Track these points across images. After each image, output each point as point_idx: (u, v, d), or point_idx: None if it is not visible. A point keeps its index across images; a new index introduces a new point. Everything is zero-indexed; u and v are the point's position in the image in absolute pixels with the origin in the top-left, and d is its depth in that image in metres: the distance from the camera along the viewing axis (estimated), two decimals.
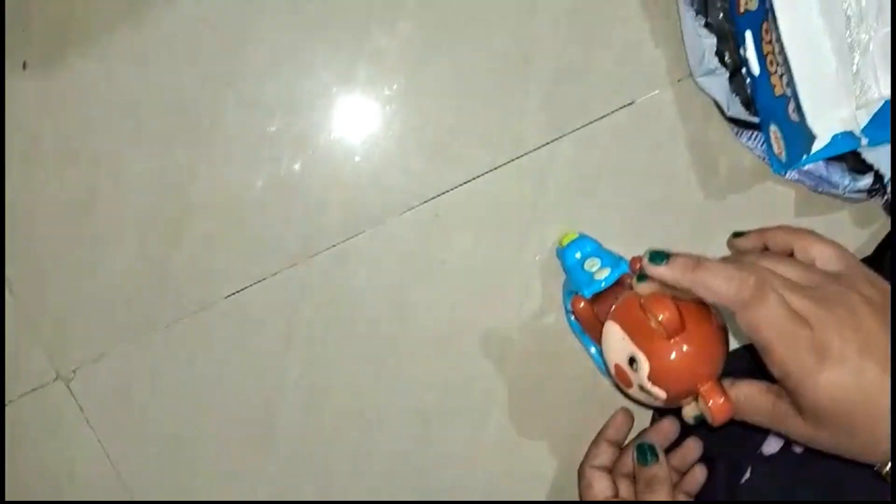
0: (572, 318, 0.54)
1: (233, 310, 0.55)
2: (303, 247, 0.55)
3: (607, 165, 0.55)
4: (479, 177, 0.55)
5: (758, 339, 0.39)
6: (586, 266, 0.51)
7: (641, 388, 0.43)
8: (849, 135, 0.48)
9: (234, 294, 0.55)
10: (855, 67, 0.48)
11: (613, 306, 0.45)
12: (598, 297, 0.50)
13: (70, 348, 0.55)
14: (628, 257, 0.49)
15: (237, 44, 0.52)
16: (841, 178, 0.51)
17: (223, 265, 0.55)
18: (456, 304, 0.56)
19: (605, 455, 0.54)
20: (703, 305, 0.43)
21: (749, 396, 0.42)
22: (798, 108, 0.47)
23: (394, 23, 0.53)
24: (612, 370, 0.45)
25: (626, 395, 0.46)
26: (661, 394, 0.43)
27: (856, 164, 0.51)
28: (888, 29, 0.47)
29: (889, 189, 0.52)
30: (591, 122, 0.54)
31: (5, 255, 0.54)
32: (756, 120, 0.52)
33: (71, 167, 0.53)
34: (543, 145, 0.54)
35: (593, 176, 0.55)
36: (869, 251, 0.55)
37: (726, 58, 0.51)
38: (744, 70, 0.51)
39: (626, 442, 0.56)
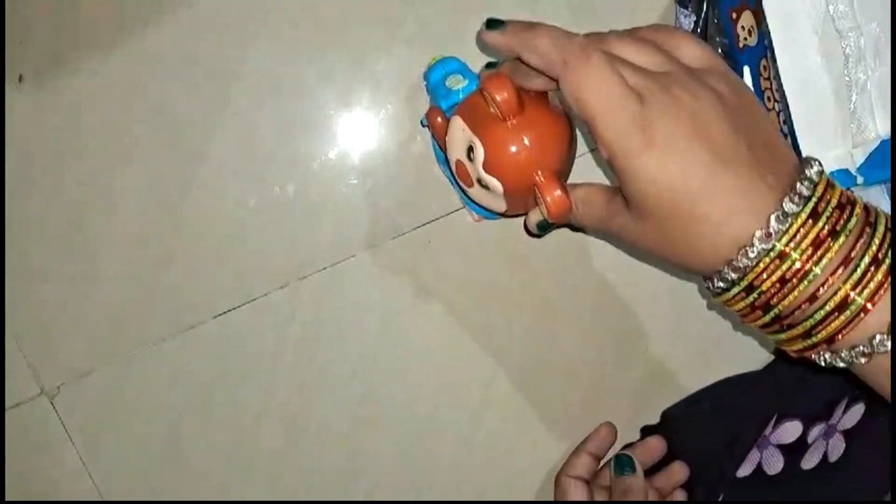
0: (436, 145, 0.51)
1: (221, 330, 0.54)
2: (293, 268, 0.54)
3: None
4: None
5: (579, 108, 0.35)
6: (447, 83, 0.48)
7: (479, 181, 0.41)
8: (845, 173, 0.48)
9: (222, 314, 0.54)
10: (852, 106, 0.48)
11: (459, 103, 0.43)
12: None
13: (55, 364, 0.54)
14: None
15: (233, 63, 0.52)
16: None
17: (213, 285, 0.54)
18: (445, 329, 0.56)
19: (584, 466, 0.54)
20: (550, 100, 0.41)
21: (586, 196, 0.39)
22: (795, 145, 0.47)
23: (391, 46, 0.53)
24: (454, 168, 0.43)
25: (470, 200, 0.44)
26: (498, 185, 0.40)
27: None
28: (886, 69, 0.47)
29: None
30: (586, 153, 0.54)
31: None
32: None
33: (61, 183, 0.53)
34: None
35: None
36: None
37: None
38: None
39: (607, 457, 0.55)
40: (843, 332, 0.34)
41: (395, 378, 0.56)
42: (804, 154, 0.47)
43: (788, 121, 0.47)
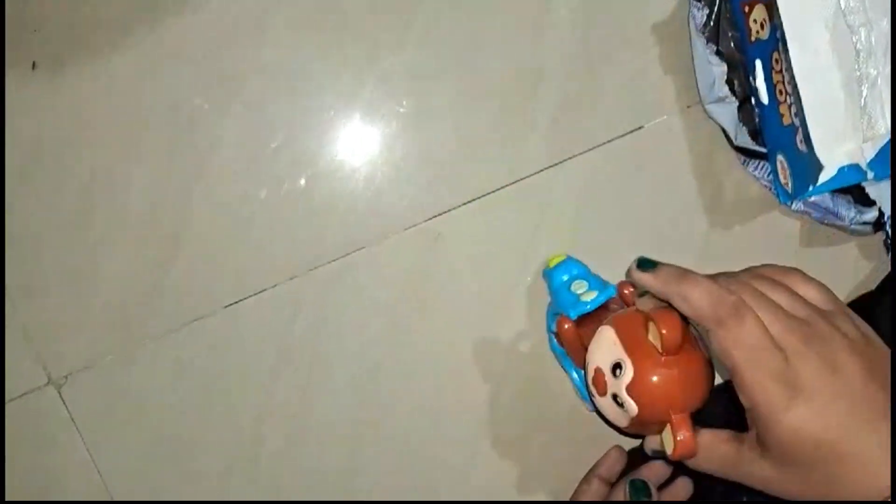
0: (555, 341, 0.53)
1: (228, 321, 0.54)
2: (302, 261, 0.54)
3: (612, 191, 0.55)
4: (481, 197, 0.54)
5: (728, 362, 0.38)
6: (573, 288, 0.50)
7: (616, 397, 0.42)
8: (855, 167, 0.48)
9: (230, 305, 0.54)
10: (863, 101, 0.49)
11: (611, 316, 0.44)
12: (582, 321, 0.50)
13: (63, 354, 0.54)
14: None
15: (244, 60, 0.52)
16: (847, 210, 0.51)
17: (220, 276, 0.54)
18: (452, 325, 0.55)
19: (595, 491, 0.53)
20: (697, 341, 0.43)
21: (711, 443, 0.41)
22: (806, 138, 0.48)
23: (401, 45, 0.53)
24: (591, 373, 0.44)
25: (594, 406, 0.45)
26: (634, 408, 0.41)
27: (861, 196, 0.51)
28: None
29: (888, 226, 0.52)
30: (597, 146, 0.54)
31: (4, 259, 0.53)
32: (763, 150, 0.52)
33: (71, 172, 0.53)
34: (548, 167, 0.54)
35: (597, 200, 0.55)
36: (872, 286, 0.55)
37: (736, 86, 0.52)
38: (752, 99, 0.51)
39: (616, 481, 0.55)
40: None
41: (399, 373, 0.56)
42: (817, 147, 0.47)
43: (800, 114, 0.47)
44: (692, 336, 0.42)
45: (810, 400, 0.37)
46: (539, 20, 0.53)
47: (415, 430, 0.56)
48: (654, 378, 0.41)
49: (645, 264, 0.41)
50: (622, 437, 0.55)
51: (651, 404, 0.41)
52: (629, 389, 0.41)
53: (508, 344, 0.56)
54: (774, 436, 0.37)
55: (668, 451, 0.41)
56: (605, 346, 0.43)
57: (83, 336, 0.54)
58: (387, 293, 0.55)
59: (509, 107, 0.54)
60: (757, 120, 0.52)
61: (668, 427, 0.41)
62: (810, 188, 0.49)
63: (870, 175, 0.49)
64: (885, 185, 0.50)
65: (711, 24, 0.51)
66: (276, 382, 0.55)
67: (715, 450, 0.41)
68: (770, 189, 0.54)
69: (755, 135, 0.52)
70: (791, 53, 0.47)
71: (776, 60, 0.48)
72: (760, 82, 0.50)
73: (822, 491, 0.37)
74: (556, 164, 0.54)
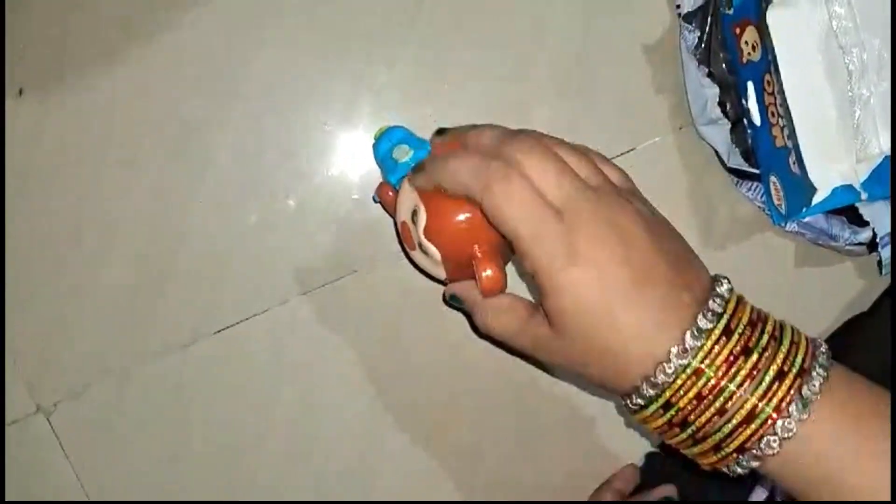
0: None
1: (221, 346, 0.54)
2: (295, 284, 0.54)
3: None
4: None
5: (505, 228, 0.36)
6: (394, 155, 0.48)
7: (420, 246, 0.42)
8: (849, 188, 0.48)
9: (222, 330, 0.54)
10: (856, 122, 0.48)
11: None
12: None
13: (53, 381, 0.53)
14: None
15: (234, 78, 0.52)
16: (841, 230, 0.51)
17: (213, 300, 0.54)
18: (449, 346, 0.55)
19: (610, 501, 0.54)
20: None
21: (510, 305, 0.40)
22: (799, 159, 0.47)
23: (394, 62, 0.53)
24: (400, 229, 0.43)
25: (412, 263, 0.44)
26: (436, 252, 0.41)
27: (855, 217, 0.51)
28: (889, 84, 0.47)
29: (880, 247, 0.51)
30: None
31: None
32: (756, 171, 0.52)
33: (61, 197, 0.52)
34: None
35: None
36: (866, 306, 0.55)
37: (728, 108, 0.51)
38: (745, 121, 0.51)
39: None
40: (750, 442, 0.34)
41: (395, 396, 0.55)
42: (810, 169, 0.47)
43: (793, 136, 0.47)
44: None
45: (589, 266, 0.35)
46: (531, 43, 0.53)
47: (414, 450, 0.56)
48: (448, 214, 0.40)
49: (439, 132, 0.42)
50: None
51: (450, 243, 0.41)
52: (426, 232, 0.41)
53: (507, 363, 0.55)
54: (552, 301, 0.36)
55: (481, 288, 0.40)
56: (405, 198, 0.42)
57: (73, 362, 0.53)
58: (380, 316, 0.55)
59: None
60: (749, 141, 0.51)
61: (474, 263, 0.40)
62: (804, 210, 0.49)
63: (864, 196, 0.48)
64: (879, 206, 0.50)
65: (703, 46, 0.50)
66: (271, 406, 0.55)
67: (512, 311, 0.40)
68: (764, 210, 0.54)
69: (748, 156, 0.52)
70: (783, 75, 0.47)
71: (768, 82, 0.48)
72: (752, 104, 0.50)
73: (599, 360, 0.36)
74: None
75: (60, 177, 0.52)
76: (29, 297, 0.53)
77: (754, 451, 0.34)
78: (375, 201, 0.50)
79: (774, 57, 0.46)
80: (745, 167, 0.52)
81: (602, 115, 0.54)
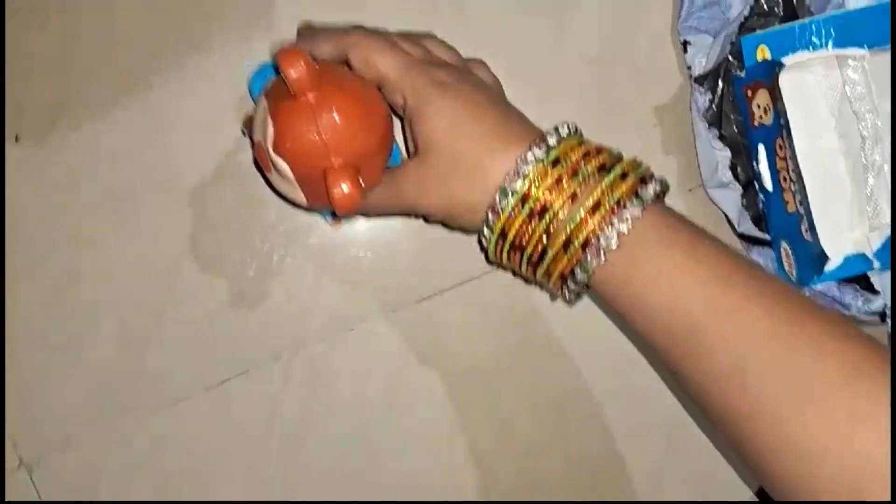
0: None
1: (213, 401, 0.52)
2: (289, 340, 0.52)
3: None
4: (471, 280, 0.53)
5: (373, 70, 0.40)
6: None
7: (274, 165, 0.38)
8: (861, 257, 0.47)
9: (215, 386, 0.52)
10: (868, 189, 0.47)
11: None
12: None
13: (38, 434, 0.52)
14: None
15: (234, 125, 0.51)
16: (853, 299, 0.50)
17: (205, 356, 0.52)
18: (445, 407, 0.53)
19: None
20: (369, 87, 0.40)
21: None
22: (811, 226, 0.46)
23: None
24: (255, 151, 0.39)
25: (273, 190, 0.42)
26: (286, 168, 0.37)
27: (868, 285, 0.50)
28: None
29: (888, 317, 0.50)
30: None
31: None
32: (767, 237, 0.51)
33: (55, 246, 0.51)
34: None
35: None
36: None
37: (739, 172, 0.50)
38: (756, 185, 0.50)
39: None
40: (576, 258, 0.38)
41: (389, 457, 0.54)
42: (822, 237, 0.46)
43: (805, 202, 0.46)
44: (359, 81, 0.40)
45: (456, 95, 0.39)
46: (540, 99, 0.52)
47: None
48: (291, 125, 0.36)
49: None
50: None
51: (299, 157, 0.37)
52: (276, 147, 0.37)
53: (506, 422, 0.54)
54: (428, 122, 0.39)
55: (334, 206, 0.37)
56: (260, 116, 0.39)
57: (58, 414, 0.52)
58: (377, 373, 0.53)
59: None
60: (760, 206, 0.50)
61: (326, 180, 0.36)
62: (815, 277, 0.47)
63: (876, 265, 0.47)
64: (888, 275, 0.49)
65: (714, 108, 0.50)
66: (264, 463, 0.53)
67: (380, 186, 0.42)
68: None
69: (758, 221, 0.51)
70: (795, 140, 0.46)
71: (780, 146, 0.47)
72: (764, 168, 0.49)
73: (462, 180, 0.39)
74: None
75: (55, 225, 0.51)
76: (20, 347, 0.51)
77: (579, 269, 0.38)
78: (244, 134, 0.46)
79: (787, 121, 0.46)
80: (756, 233, 0.51)
81: None
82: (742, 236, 0.52)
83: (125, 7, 0.51)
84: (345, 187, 0.36)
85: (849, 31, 0.46)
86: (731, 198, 0.51)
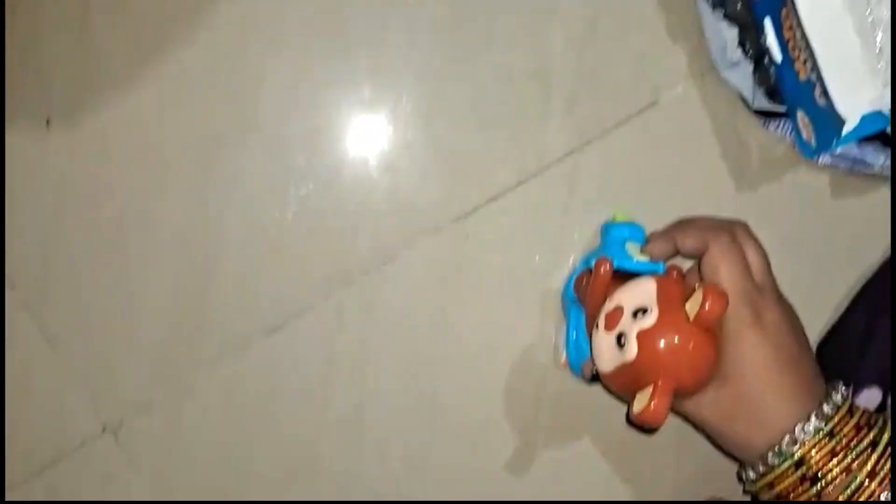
0: (572, 287, 0.52)
1: (271, 345, 0.54)
2: (337, 276, 0.54)
3: (636, 168, 0.54)
4: (506, 192, 0.54)
5: (718, 274, 0.44)
6: (626, 247, 0.50)
7: (621, 337, 0.42)
8: (878, 114, 0.47)
9: (270, 329, 0.54)
10: (878, 45, 0.48)
11: (657, 275, 0.45)
12: (612, 280, 0.48)
13: (115, 399, 0.54)
14: None
15: (256, 84, 0.53)
16: (875, 156, 0.51)
17: (257, 301, 0.54)
18: (494, 322, 0.55)
19: None
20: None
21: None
22: (824, 91, 0.47)
23: (408, 51, 0.53)
24: (609, 308, 0.44)
25: (574, 365, 0.48)
26: (633, 353, 0.41)
27: (888, 139, 0.50)
28: None
29: None
30: (616, 127, 0.54)
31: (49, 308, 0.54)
32: (782, 108, 0.52)
33: (100, 217, 0.53)
34: (569, 154, 0.54)
35: (623, 179, 0.54)
36: None
37: (748, 47, 0.51)
38: (767, 58, 0.50)
39: None
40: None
41: (445, 377, 0.56)
42: (836, 99, 0.46)
43: (816, 67, 0.47)
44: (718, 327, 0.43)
45: (771, 331, 0.43)
46: (544, 2, 0.53)
47: (467, 436, 0.56)
48: (672, 335, 0.41)
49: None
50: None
51: (652, 358, 0.41)
52: (641, 334, 0.41)
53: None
54: (734, 345, 0.43)
55: (636, 410, 0.41)
56: (638, 292, 0.44)
57: (132, 377, 0.54)
58: (425, 298, 0.55)
59: (522, 96, 0.54)
60: (773, 79, 0.51)
61: (650, 388, 0.41)
62: (834, 141, 0.48)
63: None
64: None
65: None
66: (328, 399, 0.55)
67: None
68: (794, 146, 0.53)
69: (773, 95, 0.51)
70: (799, 7, 0.46)
71: (786, 17, 0.47)
72: (772, 40, 0.49)
73: (749, 411, 0.43)
74: (576, 151, 0.54)
75: (96, 199, 0.53)
76: (81, 318, 0.54)
77: None
78: (587, 266, 0.51)
79: None
80: (771, 106, 0.52)
81: (621, 71, 0.54)
82: (758, 112, 0.52)
83: None
84: (660, 404, 0.41)
85: None
86: (743, 75, 0.52)
